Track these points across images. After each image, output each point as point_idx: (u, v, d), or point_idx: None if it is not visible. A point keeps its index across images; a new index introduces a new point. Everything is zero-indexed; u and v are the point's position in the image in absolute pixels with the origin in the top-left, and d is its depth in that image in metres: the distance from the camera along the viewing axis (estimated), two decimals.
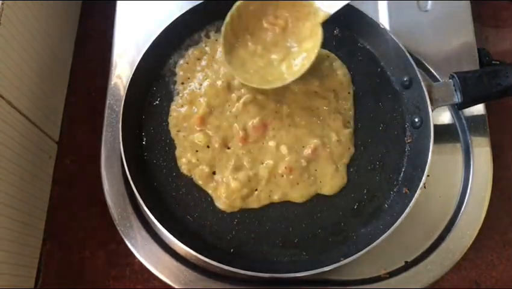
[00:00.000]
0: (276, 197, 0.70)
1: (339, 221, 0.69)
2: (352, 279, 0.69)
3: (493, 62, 0.79)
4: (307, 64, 0.69)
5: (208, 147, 0.72)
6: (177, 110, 0.74)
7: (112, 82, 0.78)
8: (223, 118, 0.72)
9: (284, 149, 0.71)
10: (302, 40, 0.71)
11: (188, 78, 0.76)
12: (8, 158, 0.69)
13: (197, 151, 0.71)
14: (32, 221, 0.76)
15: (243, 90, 0.73)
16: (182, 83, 0.76)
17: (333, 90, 0.74)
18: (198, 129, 0.72)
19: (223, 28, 0.70)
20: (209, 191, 0.70)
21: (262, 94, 0.73)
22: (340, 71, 0.76)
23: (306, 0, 0.69)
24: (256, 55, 0.72)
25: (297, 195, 0.70)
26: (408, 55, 0.71)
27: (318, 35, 0.69)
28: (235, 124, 0.72)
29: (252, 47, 0.72)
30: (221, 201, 0.69)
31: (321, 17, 0.69)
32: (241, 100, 0.72)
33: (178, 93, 0.75)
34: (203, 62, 0.76)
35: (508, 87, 0.68)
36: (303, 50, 0.71)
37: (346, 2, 0.68)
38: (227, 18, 0.70)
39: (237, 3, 0.70)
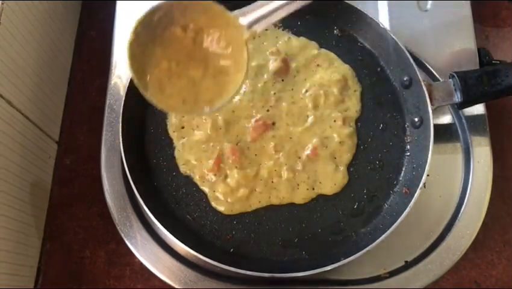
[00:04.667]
0: (276, 198, 0.70)
1: (339, 221, 0.69)
2: (352, 279, 0.69)
3: (493, 61, 0.79)
4: (235, 86, 0.58)
5: (206, 143, 0.72)
6: None
7: (112, 82, 0.78)
8: (221, 117, 0.72)
9: (283, 149, 0.71)
10: (222, 52, 0.59)
11: None
12: (8, 158, 0.69)
13: (192, 149, 0.72)
14: (32, 221, 0.76)
15: (241, 89, 0.74)
16: None
17: (334, 89, 0.74)
18: (196, 125, 0.73)
19: (127, 49, 0.57)
20: (207, 191, 0.70)
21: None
22: (342, 70, 0.76)
23: (222, 10, 0.57)
24: (173, 73, 0.59)
25: (298, 197, 0.70)
26: (408, 54, 0.71)
27: (244, 55, 0.58)
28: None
29: (165, 64, 0.59)
30: (219, 202, 0.70)
31: (246, 35, 0.57)
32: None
33: None
34: None
35: (508, 87, 0.68)
36: (227, 66, 0.59)
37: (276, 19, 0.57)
38: (131, 36, 0.57)
39: (139, 19, 0.57)
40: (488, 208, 0.71)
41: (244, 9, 0.57)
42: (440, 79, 0.77)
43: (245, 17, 0.57)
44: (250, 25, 0.57)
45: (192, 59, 0.59)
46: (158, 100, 0.59)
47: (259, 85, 0.74)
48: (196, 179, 0.71)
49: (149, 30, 0.58)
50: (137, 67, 0.58)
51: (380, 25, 0.74)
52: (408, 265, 0.69)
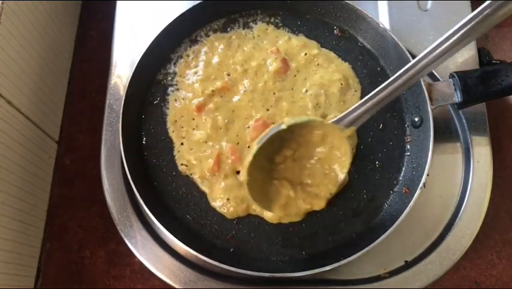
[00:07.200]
0: None
1: (339, 221, 0.69)
2: (352, 279, 0.69)
3: (493, 61, 0.79)
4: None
5: (206, 143, 0.72)
6: (176, 109, 0.74)
7: (112, 82, 0.78)
8: (220, 117, 0.73)
9: None
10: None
11: (188, 77, 0.76)
12: (8, 158, 0.69)
13: (192, 149, 0.72)
14: (32, 221, 0.76)
15: (241, 89, 0.74)
16: (182, 82, 0.76)
17: (334, 89, 0.74)
18: (196, 125, 0.73)
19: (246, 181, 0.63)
20: (207, 191, 0.70)
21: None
22: (342, 70, 0.76)
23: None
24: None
25: None
26: (408, 54, 0.71)
27: (344, 149, 0.66)
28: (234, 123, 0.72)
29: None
30: (219, 203, 0.70)
31: (347, 133, 0.65)
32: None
33: (178, 92, 0.75)
34: (202, 61, 0.77)
35: (508, 86, 0.68)
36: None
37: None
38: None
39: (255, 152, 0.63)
40: (488, 208, 0.71)
41: (340, 116, 0.64)
42: (440, 79, 0.77)
43: (342, 122, 0.64)
44: (349, 125, 0.65)
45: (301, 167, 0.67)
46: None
47: (259, 84, 0.74)
48: (196, 179, 0.71)
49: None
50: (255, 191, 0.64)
51: (380, 25, 0.74)
52: (408, 265, 0.69)
